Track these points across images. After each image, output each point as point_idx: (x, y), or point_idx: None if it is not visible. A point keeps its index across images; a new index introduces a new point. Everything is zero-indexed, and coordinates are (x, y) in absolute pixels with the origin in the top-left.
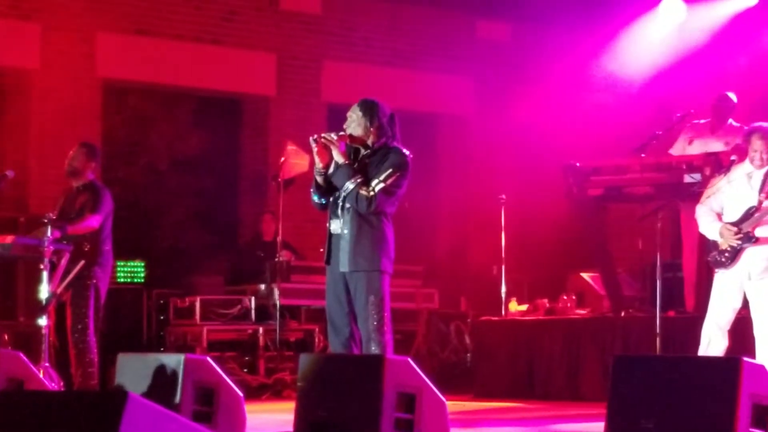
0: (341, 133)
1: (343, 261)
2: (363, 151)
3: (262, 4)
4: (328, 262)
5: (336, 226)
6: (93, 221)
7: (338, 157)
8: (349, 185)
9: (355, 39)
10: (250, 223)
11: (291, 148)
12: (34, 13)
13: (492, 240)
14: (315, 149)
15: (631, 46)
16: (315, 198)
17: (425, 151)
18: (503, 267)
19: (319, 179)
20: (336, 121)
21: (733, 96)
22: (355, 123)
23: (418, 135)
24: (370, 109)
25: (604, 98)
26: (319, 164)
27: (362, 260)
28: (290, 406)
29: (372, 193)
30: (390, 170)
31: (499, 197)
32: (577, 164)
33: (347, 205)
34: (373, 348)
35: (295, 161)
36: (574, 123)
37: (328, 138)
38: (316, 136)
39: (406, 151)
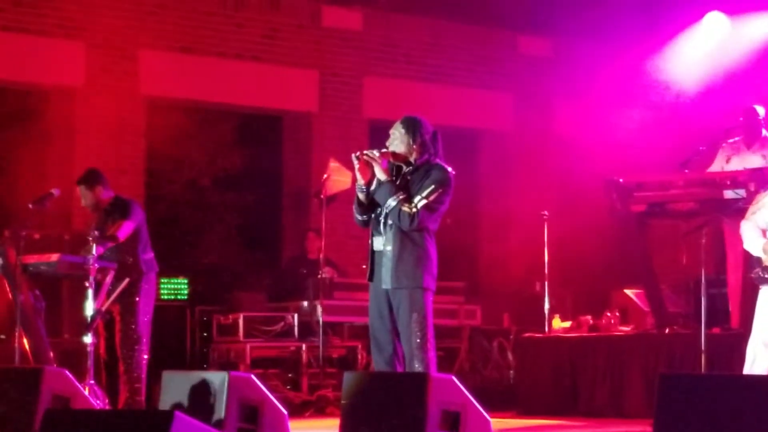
0: (383, 150)
1: (386, 278)
2: (405, 168)
3: (304, 21)
4: (371, 278)
5: (378, 243)
6: (127, 225)
7: (380, 174)
8: (392, 202)
9: (396, 55)
10: (293, 240)
11: (333, 165)
12: (78, 31)
13: (534, 256)
14: (357, 166)
15: (674, 61)
16: (357, 215)
17: (466, 167)
18: (546, 283)
19: (361, 196)
20: (377, 137)
21: (760, 109)
22: (398, 140)
23: (460, 151)
24: (413, 125)
25: (646, 113)
26: (361, 181)
27: (405, 277)
28: (333, 423)
29: (414, 209)
30: (432, 187)
31: (542, 213)
32: (620, 180)
33: (389, 222)
34: (416, 365)
35: (338, 178)
36: (616, 138)
37: (371, 155)
38: (358, 153)
39: (449, 168)
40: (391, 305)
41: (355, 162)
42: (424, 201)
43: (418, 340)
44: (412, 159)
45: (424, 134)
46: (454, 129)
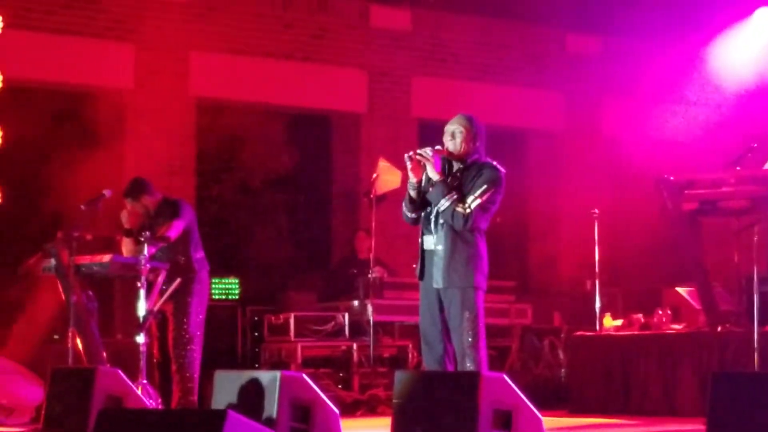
0: (437, 147)
1: (437, 277)
2: (456, 166)
3: (353, 21)
4: (421, 277)
5: (430, 242)
6: (177, 225)
7: (433, 174)
8: (445, 202)
9: (445, 54)
10: (343, 239)
11: (383, 164)
12: (128, 33)
13: (585, 254)
14: (409, 166)
15: (724, 58)
16: (407, 212)
17: (516, 167)
18: (597, 281)
19: (413, 194)
20: (426, 136)
21: None
22: (452, 138)
23: (509, 150)
24: (468, 123)
25: (696, 111)
26: (413, 179)
27: (457, 276)
28: (385, 422)
29: (468, 210)
30: (485, 186)
31: (592, 211)
32: (671, 178)
33: (441, 221)
34: (468, 364)
35: (387, 177)
36: (666, 136)
37: (424, 154)
38: (411, 152)
39: (501, 167)
40: (442, 304)
41: (408, 162)
42: (478, 201)
43: (470, 339)
44: (464, 157)
45: (478, 133)
46: (503, 128)
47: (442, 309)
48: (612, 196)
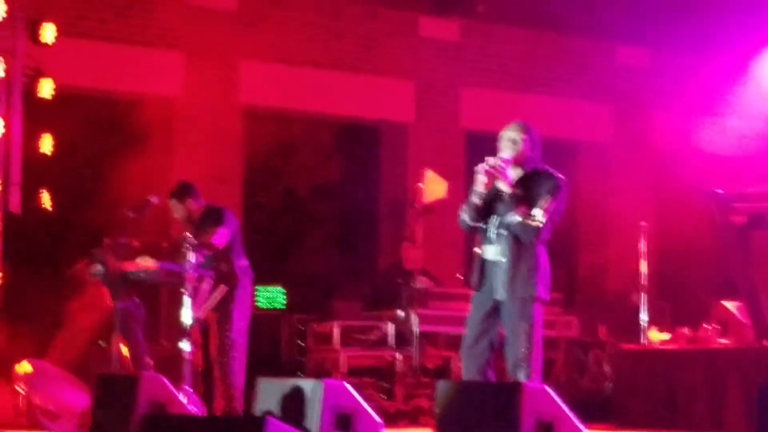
0: (503, 157)
1: (500, 289)
2: (515, 174)
3: (401, 31)
4: (478, 288)
5: (490, 252)
6: (222, 232)
7: (505, 187)
8: (515, 216)
9: (493, 65)
10: (389, 249)
11: (430, 174)
12: (178, 41)
13: (632, 267)
14: (484, 179)
15: None
16: (469, 221)
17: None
18: (643, 294)
19: (478, 202)
20: (474, 148)
21: None
22: (520, 145)
23: (557, 162)
24: (530, 130)
25: (747, 123)
26: (480, 188)
27: (520, 287)
28: None
29: (539, 223)
30: (548, 197)
31: (640, 224)
32: (720, 191)
33: (503, 232)
34: (520, 375)
35: (434, 188)
36: (715, 149)
37: (497, 166)
38: (485, 165)
39: (560, 175)
40: (496, 315)
41: (482, 176)
42: (546, 214)
43: (524, 350)
44: (523, 165)
45: (536, 140)
46: (551, 140)
47: (495, 319)
48: (660, 208)
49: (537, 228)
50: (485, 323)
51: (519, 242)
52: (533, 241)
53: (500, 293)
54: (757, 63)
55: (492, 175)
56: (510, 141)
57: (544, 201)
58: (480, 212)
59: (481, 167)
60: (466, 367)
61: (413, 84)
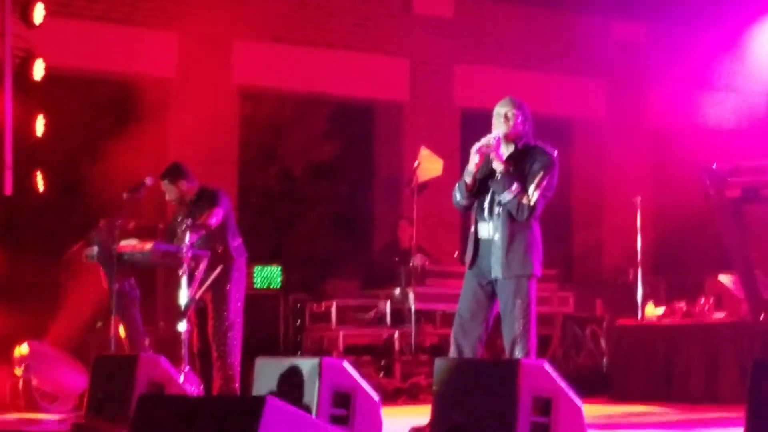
0: (495, 135)
1: (495, 266)
2: (507, 151)
3: (395, 9)
4: (471, 266)
5: (485, 230)
6: (217, 213)
7: (498, 165)
8: (509, 194)
9: (487, 43)
10: (385, 228)
11: (424, 152)
12: (171, 21)
13: (627, 243)
14: (476, 159)
15: None
16: (461, 200)
17: (559, 155)
18: (639, 270)
19: (469, 181)
20: (469, 125)
21: None
22: (512, 120)
23: (552, 138)
24: (522, 106)
25: (742, 98)
26: (471, 167)
27: (515, 265)
28: (426, 410)
29: (533, 202)
30: (541, 173)
31: (635, 199)
32: (714, 165)
33: (497, 210)
34: (517, 352)
35: (429, 166)
36: (710, 124)
37: (490, 144)
38: (478, 146)
39: (552, 149)
40: (491, 292)
41: (475, 156)
42: (539, 191)
43: (521, 327)
44: (515, 141)
45: (528, 115)
46: (546, 117)
47: (489, 297)
48: (655, 184)
49: (531, 207)
50: (479, 301)
51: (513, 220)
52: (525, 219)
53: (496, 271)
54: (751, 37)
55: (485, 153)
56: (502, 117)
57: (537, 178)
58: (472, 191)
59: (475, 147)
60: (459, 344)
61: (408, 62)
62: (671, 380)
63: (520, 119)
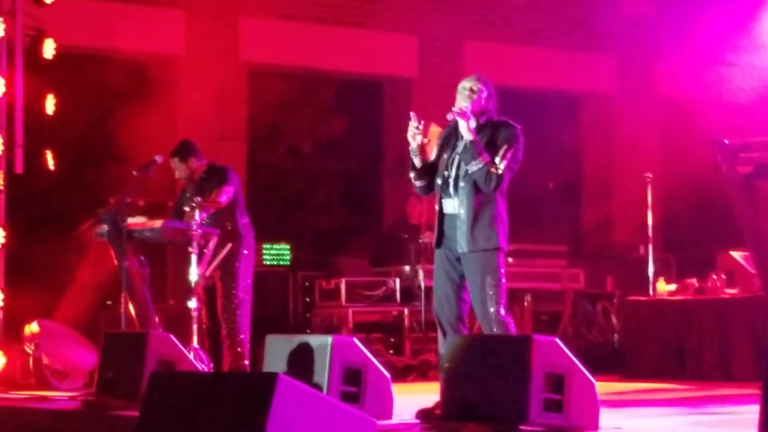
0: (464, 106)
1: (462, 242)
2: (472, 125)
3: None
4: (439, 244)
5: (450, 205)
6: (227, 190)
7: (467, 134)
8: (478, 163)
9: (494, 18)
10: (394, 205)
11: (434, 129)
12: (179, 0)
13: (638, 219)
14: (418, 140)
15: None
16: (415, 182)
17: (569, 130)
18: (650, 246)
19: (416, 161)
20: None
21: None
22: (478, 95)
23: (562, 114)
24: (488, 84)
25: (752, 72)
26: (414, 145)
27: (482, 239)
28: (436, 387)
29: (501, 171)
30: (506, 146)
31: (645, 175)
32: (725, 141)
33: (462, 184)
34: (494, 328)
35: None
36: (721, 98)
37: (462, 110)
38: (453, 111)
39: (516, 124)
40: (462, 268)
41: (458, 118)
42: (505, 162)
43: (494, 302)
44: (478, 116)
45: (492, 93)
46: (555, 92)
47: (461, 274)
48: (666, 159)
49: (499, 176)
50: (451, 279)
51: (478, 193)
52: (493, 190)
53: (461, 246)
54: (762, 10)
55: (458, 117)
56: (467, 90)
57: (504, 148)
58: (420, 171)
59: (450, 115)
60: (440, 323)
61: (416, 39)
62: (683, 357)
63: (485, 94)
